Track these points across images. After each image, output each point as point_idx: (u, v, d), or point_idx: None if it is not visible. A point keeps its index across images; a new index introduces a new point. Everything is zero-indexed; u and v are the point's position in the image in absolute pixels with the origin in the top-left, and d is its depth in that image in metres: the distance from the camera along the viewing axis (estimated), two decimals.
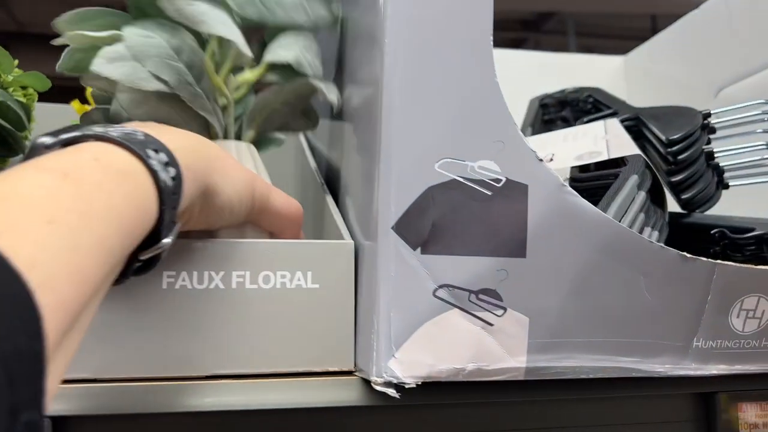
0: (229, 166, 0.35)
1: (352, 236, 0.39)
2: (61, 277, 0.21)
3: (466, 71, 0.34)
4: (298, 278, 0.36)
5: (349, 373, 0.37)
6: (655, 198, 0.46)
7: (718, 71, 0.71)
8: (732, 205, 0.52)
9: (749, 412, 0.43)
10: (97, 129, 0.27)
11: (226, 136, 0.44)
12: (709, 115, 0.51)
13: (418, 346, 0.33)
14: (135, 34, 0.38)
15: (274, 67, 0.44)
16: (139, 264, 0.29)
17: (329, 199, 0.46)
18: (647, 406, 0.42)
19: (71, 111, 0.62)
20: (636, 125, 0.56)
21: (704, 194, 0.50)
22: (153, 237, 0.28)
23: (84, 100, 0.61)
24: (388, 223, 0.33)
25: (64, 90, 0.60)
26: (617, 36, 3.16)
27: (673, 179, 0.50)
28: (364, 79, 0.39)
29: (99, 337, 0.34)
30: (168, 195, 0.28)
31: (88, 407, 0.33)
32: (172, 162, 0.29)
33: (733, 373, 0.40)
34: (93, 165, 0.25)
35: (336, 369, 0.37)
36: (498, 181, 0.34)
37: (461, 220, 0.34)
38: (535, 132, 0.70)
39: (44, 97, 0.52)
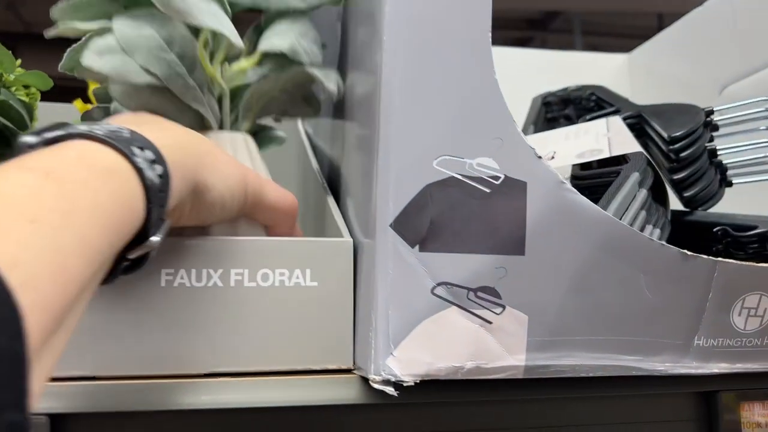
0: (220, 162, 0.35)
1: (352, 234, 0.39)
2: (43, 276, 0.20)
3: (464, 69, 0.34)
4: (296, 276, 0.36)
5: (347, 371, 0.37)
6: (657, 195, 0.46)
7: (721, 69, 0.70)
8: (735, 203, 0.52)
9: (753, 411, 0.42)
10: (82, 127, 0.27)
11: (221, 127, 0.43)
12: (711, 112, 0.51)
13: (416, 344, 0.33)
14: (125, 26, 0.37)
15: (268, 55, 0.43)
16: (128, 263, 0.29)
17: (330, 198, 0.45)
18: (647, 405, 0.42)
19: (74, 110, 0.62)
20: (638, 122, 0.56)
21: (707, 192, 0.50)
22: (141, 235, 0.28)
23: (86, 100, 0.61)
24: (387, 221, 0.33)
25: (68, 90, 0.60)
26: (624, 35, 3.15)
27: (676, 177, 0.49)
28: (363, 73, 0.39)
29: (97, 334, 0.34)
30: (155, 193, 0.28)
31: (86, 404, 0.33)
32: (158, 159, 0.28)
33: (734, 372, 0.40)
34: (76, 163, 0.25)
35: (334, 367, 0.37)
36: (497, 178, 0.34)
37: (460, 217, 0.34)
38: (537, 130, 0.69)
39: (48, 96, 0.52)
